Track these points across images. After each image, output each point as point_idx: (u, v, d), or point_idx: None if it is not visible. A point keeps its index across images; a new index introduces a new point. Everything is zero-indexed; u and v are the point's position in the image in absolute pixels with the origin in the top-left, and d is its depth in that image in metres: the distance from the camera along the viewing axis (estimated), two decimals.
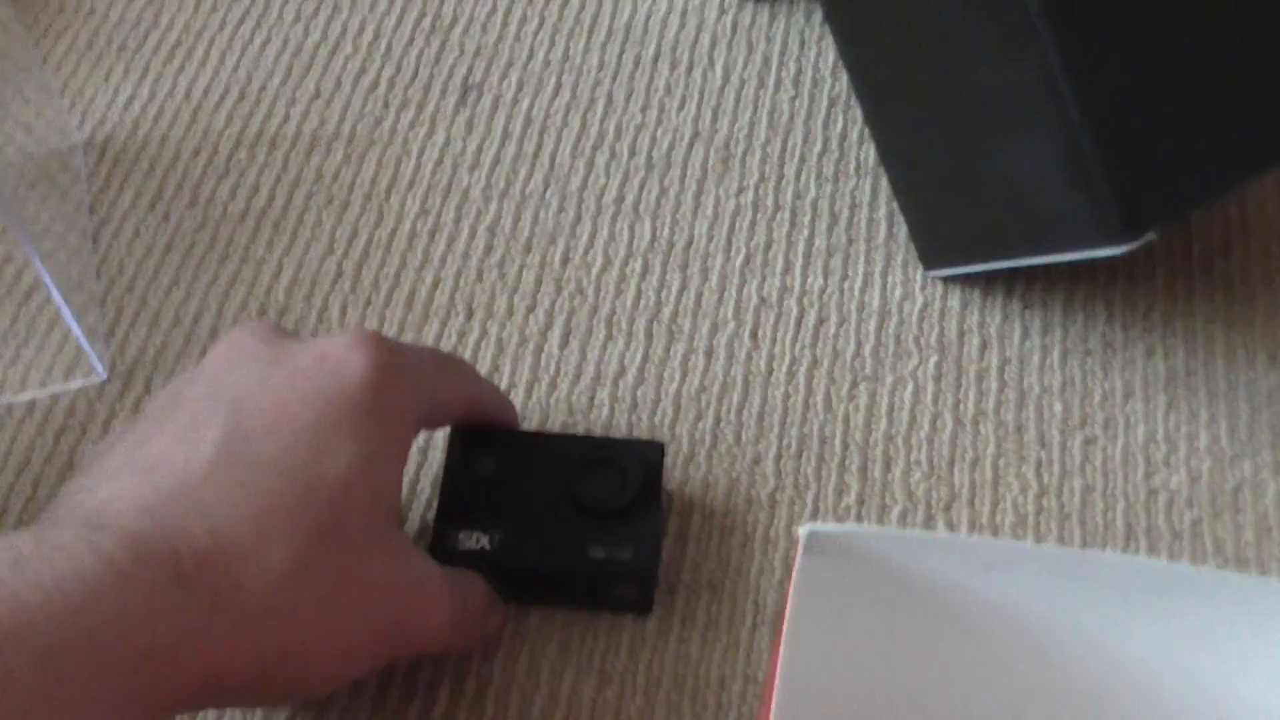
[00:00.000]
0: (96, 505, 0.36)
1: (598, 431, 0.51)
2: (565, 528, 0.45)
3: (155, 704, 0.34)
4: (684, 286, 0.54)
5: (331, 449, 0.38)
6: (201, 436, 0.38)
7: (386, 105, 0.59)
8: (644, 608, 0.46)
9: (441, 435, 0.50)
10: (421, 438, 0.50)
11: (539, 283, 0.54)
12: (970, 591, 0.30)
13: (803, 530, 0.28)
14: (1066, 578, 0.29)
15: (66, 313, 0.50)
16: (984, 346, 0.53)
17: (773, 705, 0.26)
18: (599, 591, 0.46)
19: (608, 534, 0.45)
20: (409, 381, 0.41)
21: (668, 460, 0.48)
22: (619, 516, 0.45)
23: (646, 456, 0.46)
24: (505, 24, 0.62)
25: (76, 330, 0.50)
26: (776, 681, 0.26)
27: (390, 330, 0.53)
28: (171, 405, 0.40)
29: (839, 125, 0.59)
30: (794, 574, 0.28)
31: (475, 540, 0.44)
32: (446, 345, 0.53)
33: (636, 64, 0.61)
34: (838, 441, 0.50)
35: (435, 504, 0.46)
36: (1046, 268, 0.55)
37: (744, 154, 0.58)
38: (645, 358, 0.52)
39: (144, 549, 0.34)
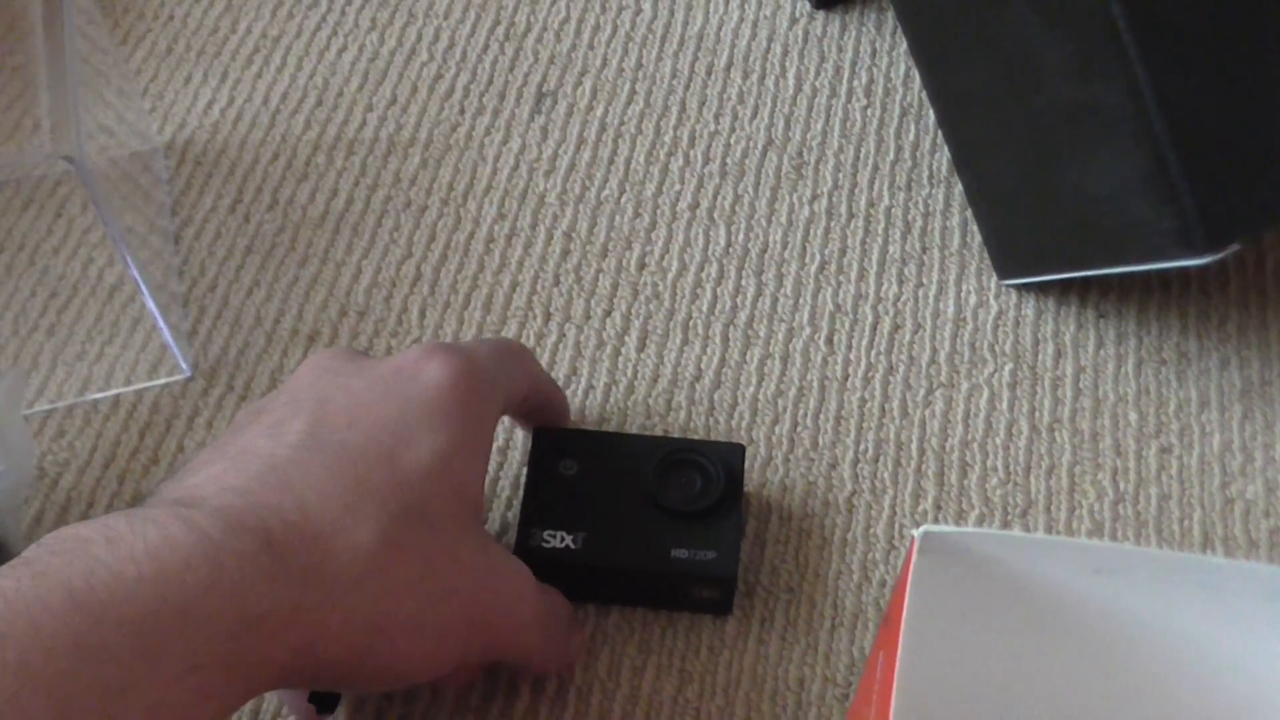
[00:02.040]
0: (186, 489, 0.37)
1: (676, 434, 0.51)
2: (648, 528, 0.45)
3: (251, 674, 0.35)
4: (759, 292, 0.55)
5: (414, 440, 0.39)
6: (287, 430, 0.38)
7: (462, 111, 0.60)
8: (724, 609, 0.47)
9: (521, 437, 0.51)
10: (501, 438, 0.51)
11: (615, 287, 0.55)
12: (1081, 593, 0.30)
13: (918, 532, 0.28)
14: (1175, 582, 0.29)
15: (154, 310, 0.51)
16: (1059, 354, 0.53)
17: (891, 705, 0.26)
18: (680, 593, 0.46)
19: (690, 535, 0.45)
20: (484, 381, 0.42)
21: (745, 464, 0.49)
22: (701, 518, 0.45)
23: (728, 458, 0.46)
24: (579, 32, 0.63)
25: (163, 328, 0.51)
26: (895, 680, 0.27)
27: (469, 333, 0.54)
28: (255, 414, 0.41)
29: (911, 134, 0.59)
30: (909, 574, 0.28)
31: (560, 539, 0.45)
32: None
33: (709, 72, 0.61)
34: (914, 447, 0.51)
35: (517, 504, 0.47)
36: (1120, 278, 0.55)
37: (817, 162, 0.58)
38: (722, 362, 0.53)
39: (235, 522, 0.35)
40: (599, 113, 0.60)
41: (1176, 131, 0.44)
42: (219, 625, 0.33)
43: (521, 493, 0.47)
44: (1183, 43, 0.44)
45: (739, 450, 0.47)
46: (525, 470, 0.47)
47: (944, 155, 0.58)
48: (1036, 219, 0.52)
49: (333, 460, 0.38)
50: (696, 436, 0.51)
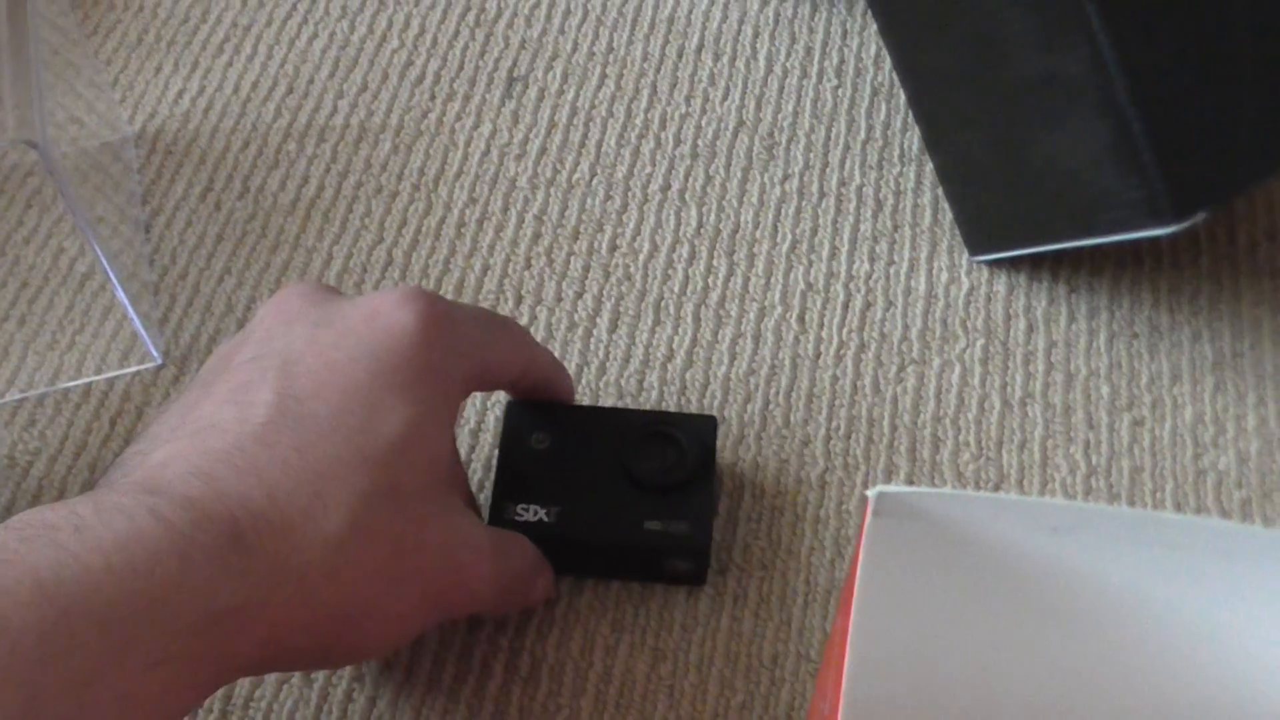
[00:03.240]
0: (152, 469, 0.36)
1: None
2: (621, 501, 0.45)
3: (220, 666, 0.35)
4: (731, 272, 0.55)
5: (384, 409, 0.37)
6: (253, 399, 0.37)
7: (433, 97, 0.60)
8: (698, 580, 0.47)
9: (494, 416, 0.51)
10: (474, 419, 0.51)
11: (587, 269, 0.55)
12: (1037, 553, 0.30)
13: (872, 492, 0.28)
14: (1134, 540, 0.29)
15: (123, 298, 0.50)
16: (1030, 330, 0.53)
17: (845, 665, 0.26)
18: (653, 565, 0.46)
19: (663, 507, 0.45)
20: (459, 339, 0.41)
21: (718, 440, 0.49)
22: (674, 490, 0.45)
23: (700, 431, 0.46)
24: (549, 17, 0.63)
25: (133, 316, 0.51)
26: (849, 642, 0.27)
27: None
28: (220, 369, 0.40)
29: (882, 113, 0.59)
30: (863, 536, 0.28)
31: (533, 513, 0.45)
32: None
33: (680, 55, 0.61)
34: (886, 423, 0.51)
35: (490, 479, 0.47)
36: (1092, 251, 0.55)
37: (788, 142, 0.58)
38: (694, 342, 0.53)
39: (202, 513, 0.34)
40: (569, 96, 0.60)
41: (1141, 101, 0.44)
42: (187, 619, 0.33)
43: (494, 467, 0.46)
44: (1146, 11, 0.44)
45: (711, 423, 0.47)
46: (498, 443, 0.47)
47: (915, 134, 0.58)
48: (1006, 193, 0.52)
49: (301, 438, 0.36)
50: None
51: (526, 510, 0.45)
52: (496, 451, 0.47)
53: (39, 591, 0.31)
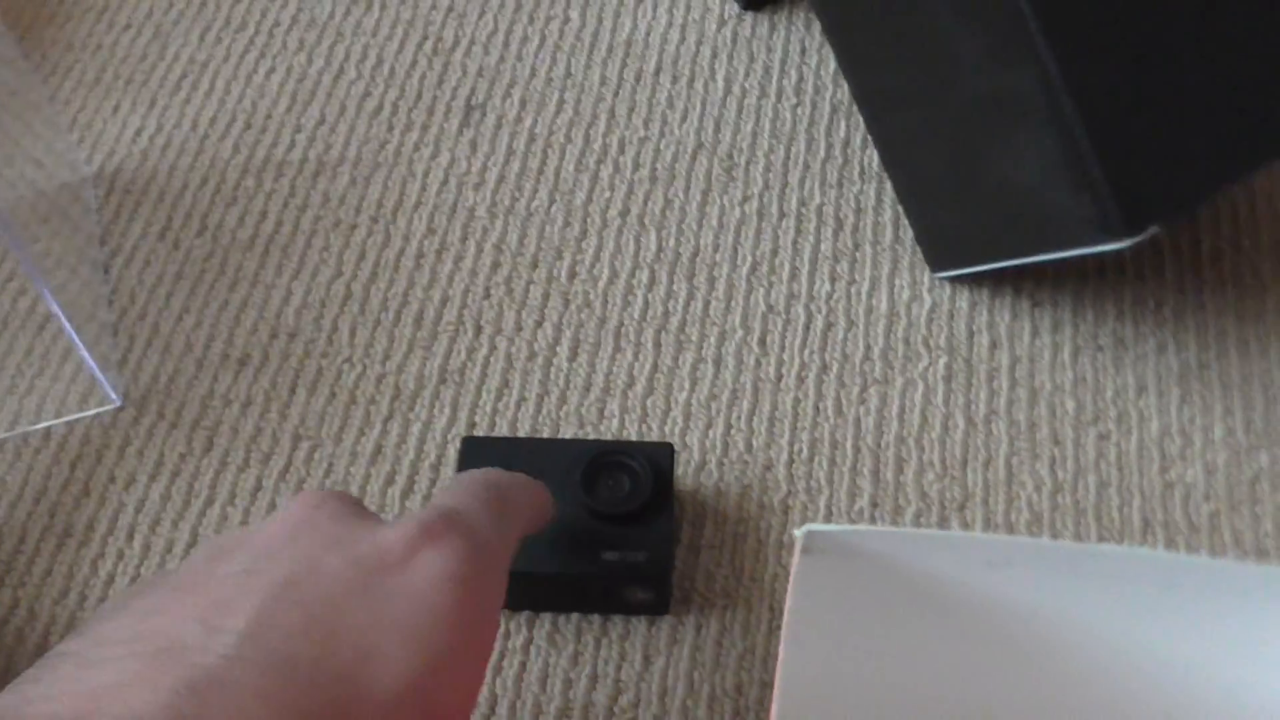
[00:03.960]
0: (87, 699, 0.28)
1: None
2: (578, 532, 0.45)
3: None
4: (691, 296, 0.54)
5: (383, 658, 0.31)
6: (224, 623, 0.30)
7: (391, 128, 0.60)
8: (660, 609, 0.46)
9: (453, 449, 0.50)
10: (433, 454, 0.51)
11: (546, 297, 0.54)
12: (973, 589, 0.30)
13: (800, 531, 0.28)
14: (1071, 573, 0.29)
15: (78, 343, 0.50)
16: (994, 346, 0.53)
17: (774, 702, 0.26)
18: (614, 595, 0.46)
19: (620, 537, 0.45)
20: (491, 570, 0.35)
21: (679, 468, 0.48)
22: (631, 520, 0.45)
23: (656, 458, 0.46)
24: (506, 44, 0.62)
25: (88, 360, 0.51)
26: (778, 679, 0.26)
27: (399, 350, 0.53)
28: (203, 574, 0.33)
29: (841, 131, 0.59)
30: (792, 575, 0.28)
31: None
32: (456, 362, 0.53)
33: (638, 78, 0.61)
34: (849, 445, 0.50)
35: None
36: (1054, 266, 0.54)
37: (747, 163, 0.58)
38: (654, 368, 0.52)
39: None
40: (528, 123, 0.60)
41: (1089, 117, 0.44)
42: None
43: None
44: (1092, 28, 0.44)
45: (667, 450, 0.47)
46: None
47: (874, 152, 0.58)
48: (964, 211, 0.52)
49: (270, 682, 0.29)
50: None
51: None
52: None
53: None
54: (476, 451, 0.47)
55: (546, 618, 0.47)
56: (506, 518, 0.38)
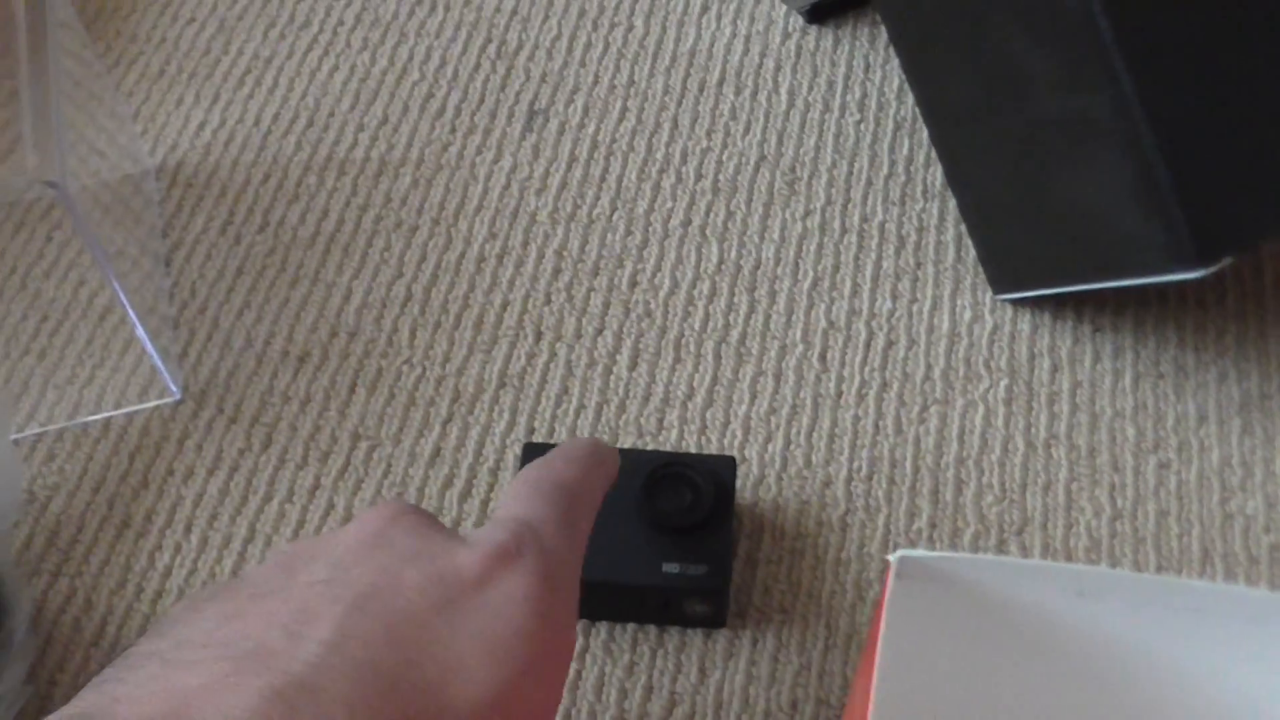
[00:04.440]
0: (177, 699, 0.29)
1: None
2: (638, 543, 0.45)
3: None
4: (752, 309, 0.54)
5: (468, 672, 0.31)
6: (308, 631, 0.31)
7: (454, 130, 0.60)
8: (717, 623, 0.46)
9: (512, 454, 0.50)
10: (491, 458, 0.51)
11: (607, 305, 0.54)
12: (1061, 618, 0.29)
13: (894, 556, 0.28)
14: (1158, 605, 0.29)
15: (142, 334, 0.50)
16: (1055, 370, 0.53)
17: None
18: (672, 608, 0.46)
19: (680, 550, 0.45)
20: (566, 584, 0.35)
21: (738, 480, 0.48)
22: (692, 532, 0.45)
23: (718, 471, 0.46)
24: (570, 50, 0.62)
25: (151, 351, 0.51)
26: (871, 708, 0.26)
27: (459, 353, 0.53)
28: (282, 581, 0.33)
29: (905, 149, 0.59)
30: (885, 600, 0.28)
31: None
32: (515, 367, 0.53)
33: (701, 89, 0.61)
34: (908, 465, 0.50)
35: None
36: (1116, 291, 0.54)
37: (810, 178, 0.58)
38: (714, 380, 0.52)
39: None
40: (590, 130, 0.60)
41: (1166, 144, 0.43)
42: None
43: None
44: (1171, 53, 0.43)
45: (730, 463, 0.47)
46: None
47: (937, 170, 0.58)
48: (1030, 233, 0.51)
49: (356, 690, 0.30)
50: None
51: None
52: None
53: None
54: (537, 457, 0.47)
55: (603, 627, 0.47)
56: (578, 524, 0.38)
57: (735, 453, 0.51)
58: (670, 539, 0.45)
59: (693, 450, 0.51)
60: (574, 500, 0.38)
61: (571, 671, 0.46)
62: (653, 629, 0.47)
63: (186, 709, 0.28)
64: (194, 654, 0.30)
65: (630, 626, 0.47)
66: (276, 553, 0.35)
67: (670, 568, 0.45)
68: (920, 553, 0.27)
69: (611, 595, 0.46)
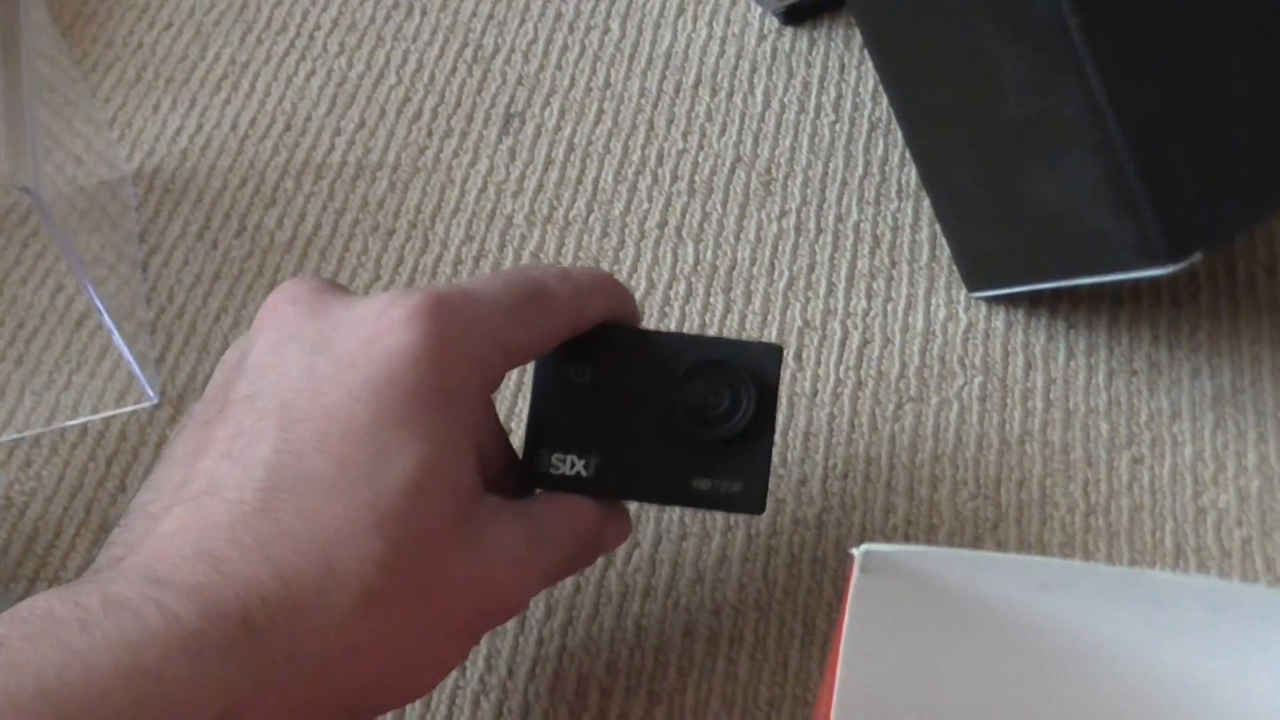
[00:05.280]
0: (155, 549, 0.33)
1: None
2: (667, 452, 0.40)
3: None
4: (727, 309, 0.54)
5: (392, 453, 0.34)
6: (251, 455, 0.34)
7: (430, 134, 0.60)
8: (756, 510, 0.42)
9: None
10: None
11: None
12: (1025, 610, 0.30)
13: (858, 550, 0.28)
14: (1123, 597, 0.29)
15: (118, 339, 0.50)
16: (1029, 367, 0.53)
17: None
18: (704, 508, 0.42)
19: (715, 461, 0.40)
20: (475, 345, 0.37)
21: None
22: (728, 443, 0.41)
23: (762, 364, 0.41)
24: (546, 53, 0.63)
25: (128, 356, 0.51)
26: (834, 702, 0.26)
27: None
28: (220, 402, 0.37)
29: (880, 149, 0.59)
30: (849, 594, 0.28)
31: (570, 465, 0.41)
32: None
33: (677, 90, 0.61)
34: (884, 462, 0.51)
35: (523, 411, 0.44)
36: (1090, 288, 0.55)
37: (785, 178, 0.58)
38: None
39: (210, 605, 0.32)
40: (567, 133, 0.60)
41: (1135, 142, 0.44)
42: (204, 718, 0.31)
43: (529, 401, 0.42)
44: (1140, 52, 0.44)
45: (775, 353, 0.41)
46: (532, 377, 0.42)
47: (912, 170, 0.58)
48: (1003, 232, 0.52)
49: (305, 503, 0.34)
50: None
51: (563, 462, 0.40)
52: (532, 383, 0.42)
53: (42, 697, 0.29)
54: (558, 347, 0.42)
55: (579, 624, 0.47)
56: (532, 319, 0.38)
57: None
58: (703, 449, 0.40)
59: (732, 339, 0.46)
60: (546, 301, 0.39)
61: (549, 670, 0.46)
62: (630, 628, 0.47)
63: (166, 552, 0.33)
64: (166, 500, 0.35)
65: (607, 625, 0.47)
66: (215, 375, 0.39)
67: (701, 484, 0.40)
68: (883, 546, 0.27)
69: (636, 503, 0.43)
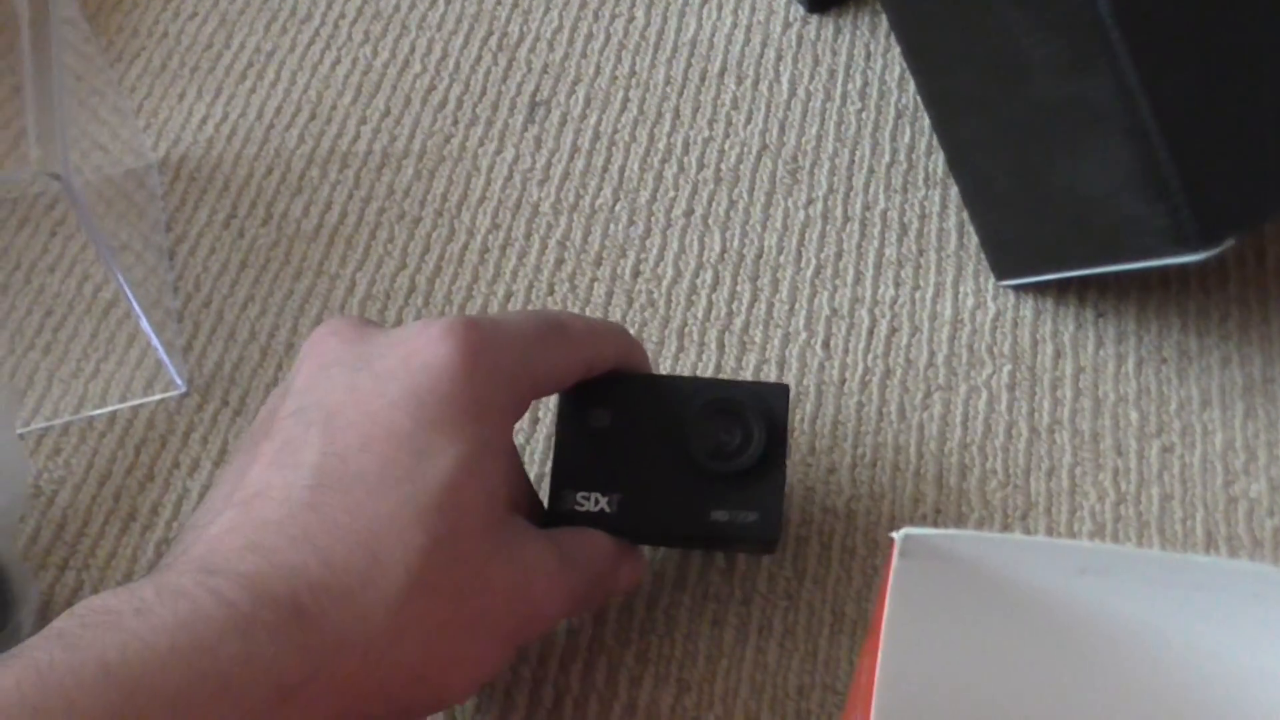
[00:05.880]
0: (207, 546, 0.35)
1: None
2: (685, 488, 0.43)
3: None
4: (755, 298, 0.54)
5: (431, 453, 0.36)
6: (298, 460, 0.37)
7: (456, 122, 0.60)
8: (769, 550, 0.45)
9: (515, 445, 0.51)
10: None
11: (610, 295, 0.55)
12: (1063, 595, 0.30)
13: (898, 534, 0.28)
14: (1161, 582, 0.29)
15: (147, 327, 0.50)
16: (1058, 355, 0.53)
17: (871, 706, 0.26)
18: (721, 547, 0.46)
19: (731, 494, 0.42)
20: (504, 363, 0.39)
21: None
22: (741, 475, 0.43)
23: (770, 403, 0.43)
24: (571, 41, 0.63)
25: (156, 344, 0.51)
26: (876, 685, 0.26)
27: None
28: (266, 426, 0.39)
29: (906, 136, 0.59)
30: (890, 578, 0.28)
31: (594, 502, 0.43)
32: None
33: (703, 79, 0.61)
34: (913, 450, 0.50)
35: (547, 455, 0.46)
36: (1119, 276, 0.54)
37: (812, 166, 0.58)
38: (718, 368, 0.53)
39: (261, 590, 0.33)
40: (592, 121, 0.60)
41: (1167, 127, 0.43)
42: (256, 698, 0.32)
43: (552, 447, 0.44)
44: (1171, 36, 0.43)
45: (782, 391, 0.44)
46: (555, 424, 0.44)
47: (939, 157, 0.58)
48: (1032, 219, 0.52)
49: (350, 498, 0.36)
50: None
51: (587, 499, 0.43)
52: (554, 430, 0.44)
53: (104, 674, 0.30)
54: (578, 391, 0.44)
55: (611, 618, 0.47)
56: (556, 349, 0.41)
57: None
58: (719, 483, 0.42)
59: (740, 380, 0.48)
60: (566, 333, 0.42)
61: (580, 662, 0.46)
62: (660, 617, 0.47)
63: (215, 548, 0.35)
64: (216, 509, 0.37)
65: (638, 615, 0.47)
66: (263, 407, 0.42)
67: (719, 516, 0.42)
68: (923, 530, 0.27)
69: (657, 540, 0.45)
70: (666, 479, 0.43)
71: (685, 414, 0.43)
